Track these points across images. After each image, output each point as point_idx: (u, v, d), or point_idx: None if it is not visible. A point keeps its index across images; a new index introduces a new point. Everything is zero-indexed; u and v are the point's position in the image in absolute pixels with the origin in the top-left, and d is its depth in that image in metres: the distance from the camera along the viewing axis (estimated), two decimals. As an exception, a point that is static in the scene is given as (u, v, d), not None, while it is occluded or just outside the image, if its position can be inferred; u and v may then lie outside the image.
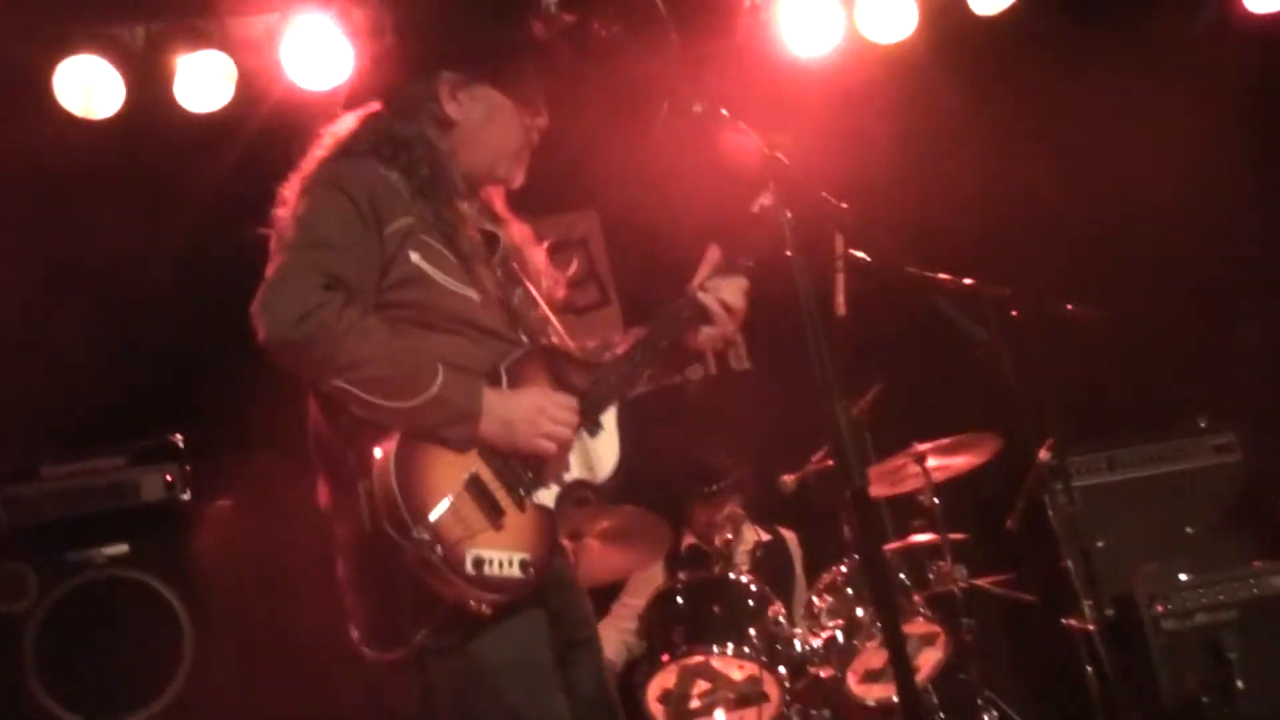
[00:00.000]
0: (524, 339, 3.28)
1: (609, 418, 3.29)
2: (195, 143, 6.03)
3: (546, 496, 3.13)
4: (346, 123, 3.33)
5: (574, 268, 7.11)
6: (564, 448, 3.14)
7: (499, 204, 3.48)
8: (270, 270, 3.01)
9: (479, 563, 2.94)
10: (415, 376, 2.97)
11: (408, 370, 2.98)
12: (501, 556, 2.98)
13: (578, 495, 3.22)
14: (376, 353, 2.96)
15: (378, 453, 2.93)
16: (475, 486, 3.00)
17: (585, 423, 3.20)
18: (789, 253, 3.05)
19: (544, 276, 3.49)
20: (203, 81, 5.89)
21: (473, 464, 3.02)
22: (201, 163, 6.03)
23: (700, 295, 3.35)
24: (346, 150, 3.24)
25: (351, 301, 2.99)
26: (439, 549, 2.88)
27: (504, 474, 3.06)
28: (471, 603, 2.94)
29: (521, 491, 3.08)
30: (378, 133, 3.26)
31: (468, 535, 2.94)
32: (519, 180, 3.44)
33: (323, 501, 3.15)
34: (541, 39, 3.45)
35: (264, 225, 3.17)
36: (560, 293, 3.54)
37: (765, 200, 3.19)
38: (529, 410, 3.08)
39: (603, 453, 3.26)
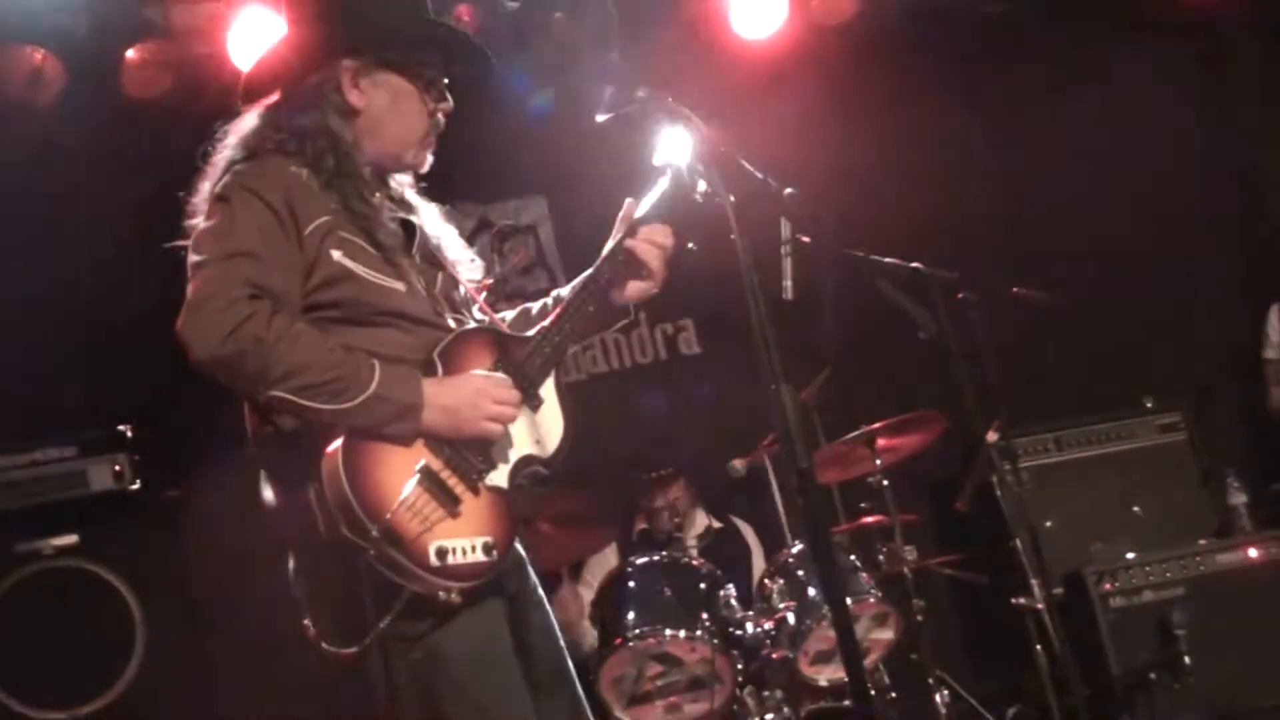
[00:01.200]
0: (452, 323, 3.26)
1: (548, 389, 3.27)
2: (140, 129, 6.01)
3: (499, 477, 3.12)
4: (248, 120, 3.26)
5: (522, 254, 7.19)
6: (506, 427, 3.12)
7: (408, 189, 3.43)
8: (192, 287, 2.95)
9: (442, 553, 2.92)
10: (352, 377, 2.93)
11: (344, 372, 2.93)
12: (464, 543, 2.97)
13: (529, 471, 3.20)
14: (310, 358, 2.91)
15: (325, 458, 2.90)
16: (428, 478, 2.98)
17: (525, 398, 3.18)
18: (733, 237, 3.06)
19: (461, 258, 3.46)
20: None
21: (421, 455, 3.00)
22: (146, 150, 5.99)
23: (630, 242, 3.32)
24: (252, 150, 3.17)
25: (279, 309, 2.94)
26: (400, 546, 2.88)
27: (453, 461, 3.04)
28: (441, 594, 2.92)
29: (474, 476, 3.06)
30: (280, 127, 3.19)
31: (426, 528, 2.93)
32: (426, 165, 3.38)
33: (269, 502, 3.11)
34: (444, 25, 3.45)
35: (178, 238, 3.12)
36: (480, 270, 3.50)
37: (707, 185, 3.20)
38: (470, 395, 3.06)
39: (548, 424, 3.25)
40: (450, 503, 3.00)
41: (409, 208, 3.41)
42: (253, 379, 2.90)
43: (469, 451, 3.07)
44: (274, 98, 3.30)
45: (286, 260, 3.02)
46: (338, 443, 2.91)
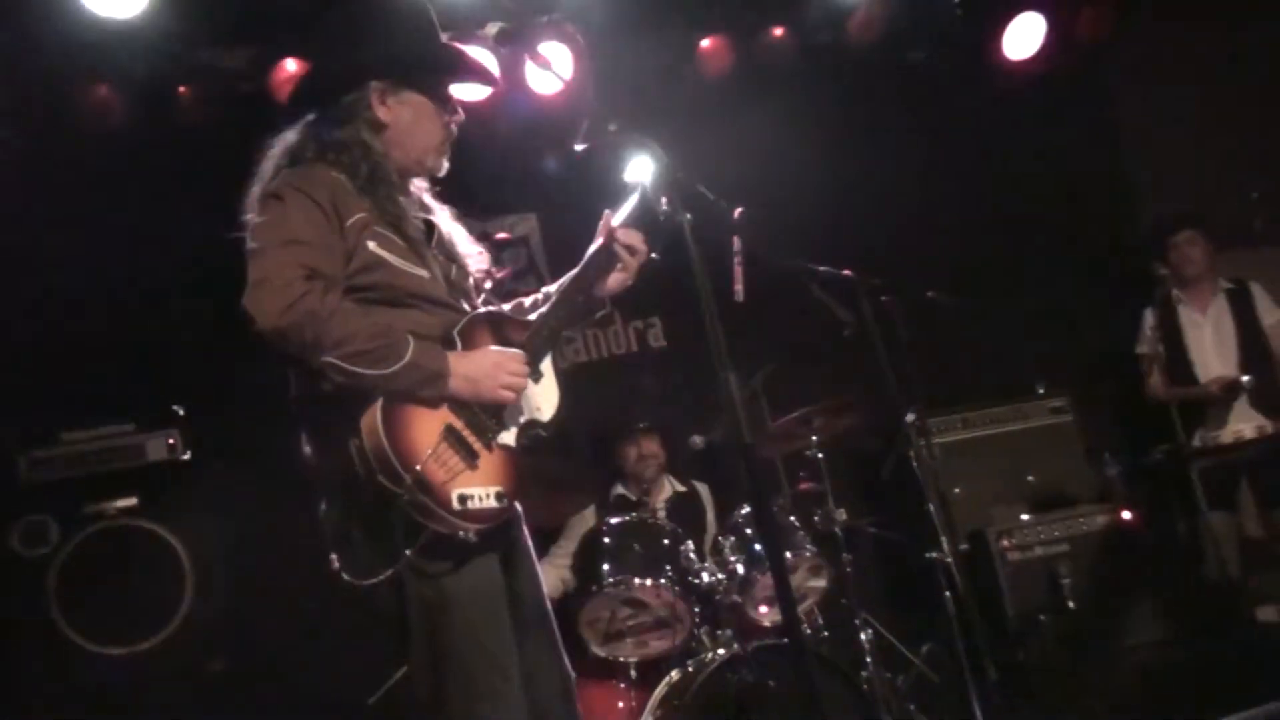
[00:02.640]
0: (466, 307, 3.31)
1: (546, 365, 3.33)
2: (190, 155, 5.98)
3: (508, 437, 3.17)
4: (291, 134, 3.29)
5: (515, 262, 7.18)
6: (518, 395, 3.18)
7: (427, 194, 3.48)
8: (253, 270, 2.98)
9: (463, 499, 2.99)
10: (391, 348, 2.98)
11: (384, 343, 2.98)
12: (480, 491, 3.03)
13: (532, 433, 3.24)
14: (356, 331, 2.96)
15: (365, 416, 2.94)
16: (451, 435, 3.04)
17: (529, 371, 3.23)
18: (690, 249, 3.09)
19: (471, 253, 3.50)
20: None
21: (446, 417, 3.05)
22: (193, 168, 5.97)
23: (614, 245, 3.40)
24: (297, 158, 3.21)
25: (329, 289, 2.99)
26: (429, 492, 2.93)
27: (473, 422, 3.09)
28: (460, 533, 2.99)
29: (489, 435, 3.11)
30: (320, 140, 3.23)
31: (451, 477, 2.99)
32: (444, 170, 3.42)
33: (307, 458, 3.13)
34: (455, 49, 3.47)
35: (236, 231, 3.13)
36: (486, 263, 3.54)
37: (665, 206, 3.23)
38: (489, 367, 3.11)
39: (546, 395, 3.31)
40: (470, 457, 3.06)
41: (428, 209, 3.46)
42: (308, 347, 2.93)
43: (485, 414, 3.13)
44: (312, 115, 3.32)
45: (333, 248, 3.07)
46: (376, 404, 2.95)
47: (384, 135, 3.29)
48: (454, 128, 3.39)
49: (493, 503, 3.05)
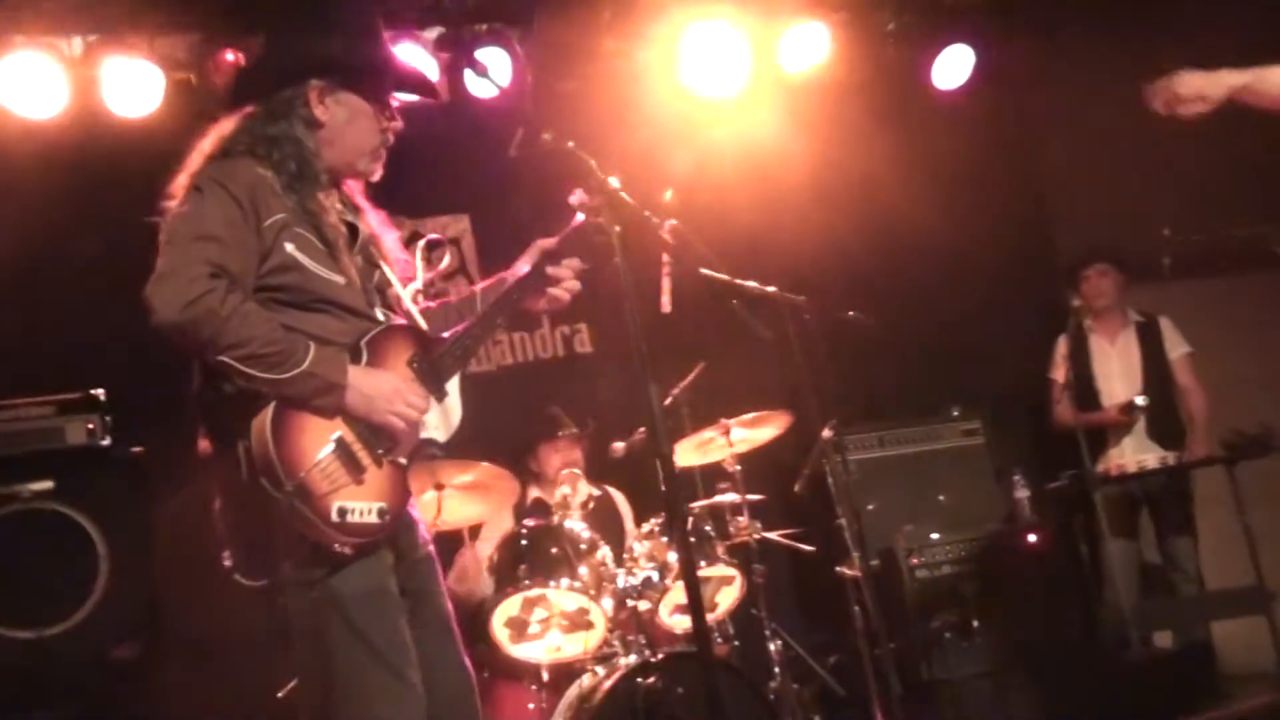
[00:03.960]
0: (381, 317, 3.25)
1: (453, 384, 3.29)
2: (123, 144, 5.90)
3: (399, 454, 3.11)
4: (228, 124, 3.24)
5: (447, 262, 7.15)
6: (411, 426, 3.12)
7: (358, 196, 3.43)
8: (161, 262, 2.93)
9: (343, 512, 2.92)
10: (289, 353, 2.92)
11: (282, 348, 2.92)
12: (362, 506, 2.96)
13: (427, 451, 3.21)
14: (255, 333, 2.90)
15: (256, 419, 2.89)
16: (340, 447, 2.98)
17: (434, 391, 3.19)
18: (617, 260, 3.10)
19: (396, 259, 3.46)
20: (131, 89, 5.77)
21: (338, 428, 2.99)
22: (130, 159, 5.90)
23: (551, 270, 3.39)
24: (227, 150, 3.16)
25: (234, 289, 2.93)
26: (308, 501, 2.87)
27: (364, 436, 3.03)
28: (336, 546, 2.93)
29: (380, 451, 3.06)
30: (253, 133, 3.19)
31: (333, 489, 2.92)
32: (377, 174, 3.39)
33: (202, 450, 3.09)
34: (397, 58, 3.45)
35: (155, 215, 3.09)
36: (412, 273, 3.51)
37: (597, 218, 3.24)
38: (387, 390, 3.06)
39: (450, 413, 3.26)
40: (356, 470, 2.99)
41: (356, 211, 3.39)
42: (204, 344, 2.88)
43: (378, 431, 3.06)
44: (251, 108, 3.27)
45: (245, 246, 3.00)
46: (268, 408, 2.89)
47: (318, 133, 3.24)
48: (390, 135, 3.35)
49: (373, 518, 2.98)
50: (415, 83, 3.51)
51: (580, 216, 3.38)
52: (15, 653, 5.08)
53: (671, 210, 3.53)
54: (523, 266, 3.49)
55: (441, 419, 3.24)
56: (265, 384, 2.91)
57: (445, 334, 3.39)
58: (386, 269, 3.40)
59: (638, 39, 6.60)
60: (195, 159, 3.17)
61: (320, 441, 2.95)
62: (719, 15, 6.59)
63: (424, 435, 3.19)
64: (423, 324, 3.41)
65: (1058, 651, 5.99)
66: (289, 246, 3.07)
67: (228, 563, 3.03)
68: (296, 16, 3.34)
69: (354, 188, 3.43)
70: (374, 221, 3.44)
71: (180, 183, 3.11)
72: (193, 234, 2.96)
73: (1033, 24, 7.26)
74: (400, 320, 3.32)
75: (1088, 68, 7.20)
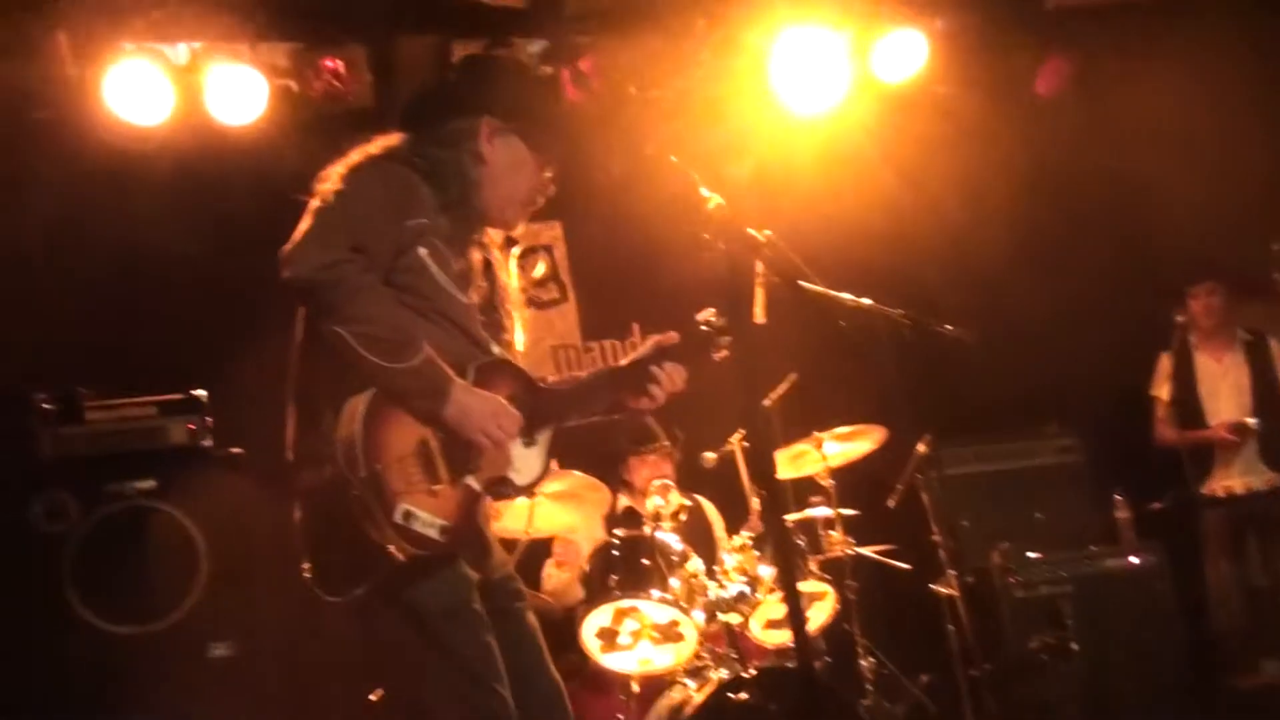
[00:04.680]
0: (494, 349, 3.24)
1: (544, 436, 3.25)
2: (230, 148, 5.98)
3: (473, 481, 3.06)
4: (394, 137, 3.26)
5: (540, 269, 7.16)
6: (499, 449, 3.08)
7: (496, 245, 3.41)
8: (305, 225, 2.96)
9: (408, 515, 2.88)
10: (405, 346, 2.91)
11: (400, 339, 2.91)
12: (426, 517, 2.91)
13: (499, 489, 3.18)
14: (379, 315, 2.90)
15: (353, 399, 2.87)
16: (423, 451, 2.95)
17: (524, 434, 3.15)
18: (724, 275, 3.06)
19: (518, 309, 3.44)
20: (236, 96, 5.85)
21: (427, 433, 2.97)
22: (233, 165, 5.98)
23: (654, 369, 3.29)
24: (390, 155, 3.18)
25: (370, 268, 2.95)
26: (378, 493, 2.84)
27: (449, 450, 2.99)
28: (391, 548, 2.87)
29: (458, 469, 3.01)
30: (419, 150, 3.20)
31: (405, 490, 2.88)
32: (518, 228, 3.40)
33: (289, 442, 3.08)
34: (568, 114, 3.44)
35: (305, 194, 3.08)
36: (526, 297, 3.51)
37: (706, 236, 3.17)
38: (486, 410, 3.02)
39: (531, 462, 3.22)
40: (432, 480, 2.96)
41: (490, 255, 3.38)
42: (328, 309, 2.88)
43: (464, 449, 3.02)
44: (417, 131, 3.28)
45: (387, 235, 3.02)
46: (369, 393, 2.87)
47: (481, 169, 3.24)
48: (543, 193, 3.36)
49: (434, 533, 2.92)
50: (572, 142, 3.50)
51: (704, 329, 3.28)
52: (116, 648, 5.16)
53: (766, 220, 3.47)
54: (640, 353, 3.39)
55: (523, 465, 3.19)
56: (372, 369, 2.88)
57: (547, 384, 3.35)
58: (507, 318, 3.38)
59: (731, 47, 6.53)
60: (355, 154, 3.17)
61: (407, 440, 2.93)
62: (813, 21, 6.49)
63: (500, 473, 3.14)
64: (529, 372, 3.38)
65: (1160, 677, 5.82)
66: (422, 251, 3.07)
67: (306, 575, 3.01)
68: (486, 60, 3.36)
69: (494, 239, 3.41)
70: (501, 265, 3.42)
71: (336, 170, 3.12)
72: (340, 206, 2.98)
73: (1134, 31, 7.08)
74: (512, 361, 3.30)
75: (1193, 77, 7.01)
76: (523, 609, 3.27)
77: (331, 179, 3.07)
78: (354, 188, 3.03)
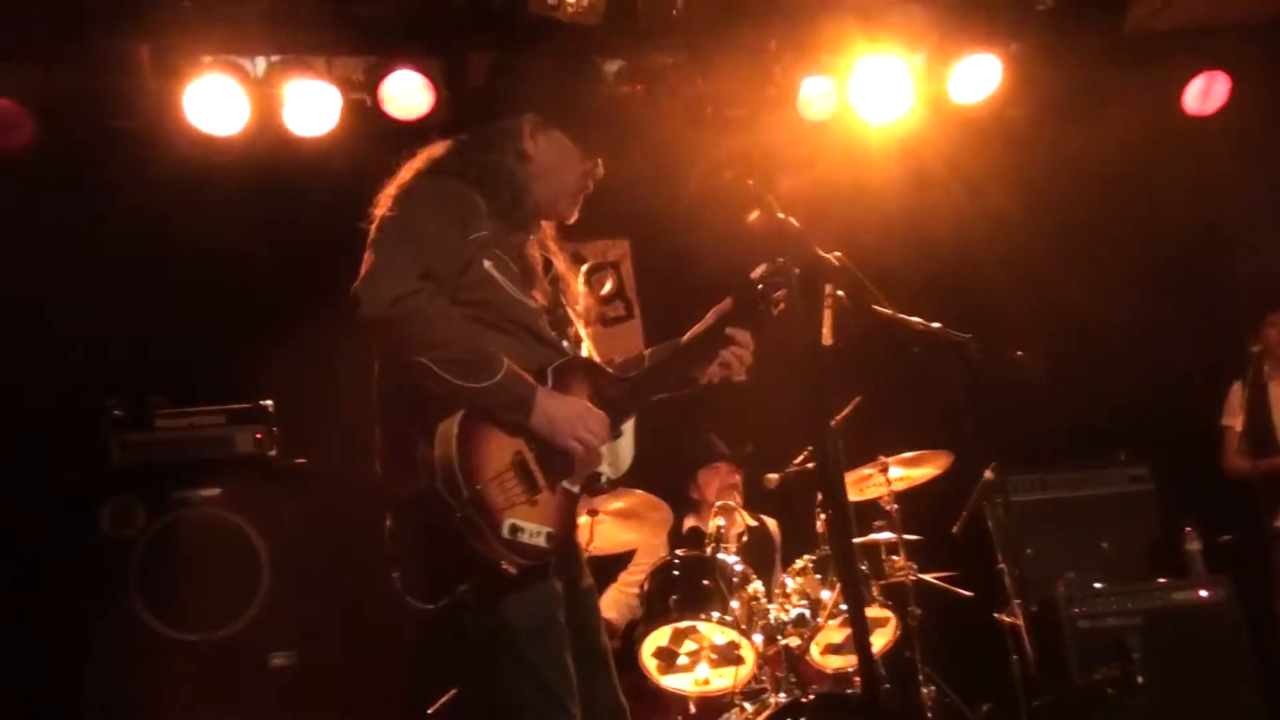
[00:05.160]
0: (567, 349, 3.25)
1: (629, 425, 3.25)
2: (303, 160, 6.03)
3: (571, 483, 3.09)
4: (438, 147, 3.27)
5: (608, 286, 7.15)
6: (590, 452, 3.09)
7: (550, 238, 3.43)
8: (371, 257, 2.96)
9: (515, 530, 2.89)
10: (485, 364, 2.92)
11: (480, 358, 2.92)
12: (533, 527, 2.93)
13: (593, 485, 3.18)
14: (456, 339, 2.91)
15: (444, 423, 2.87)
16: (519, 465, 2.96)
17: (611, 429, 3.15)
18: (796, 301, 3.04)
19: (581, 301, 3.46)
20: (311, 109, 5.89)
21: (519, 446, 2.97)
22: (306, 177, 6.03)
23: (730, 331, 3.31)
24: (439, 168, 3.18)
25: (439, 292, 2.95)
26: (483, 513, 2.85)
27: (543, 459, 3.01)
28: (503, 563, 2.89)
29: (554, 475, 3.03)
30: (465, 157, 3.21)
31: (508, 505, 2.90)
32: (572, 217, 3.39)
33: (380, 461, 3.08)
34: (608, 102, 3.44)
35: (363, 221, 3.10)
36: (593, 315, 3.51)
37: (780, 258, 3.15)
38: (572, 414, 3.03)
39: (621, 453, 3.23)
40: (531, 490, 2.97)
41: (548, 249, 3.40)
42: (407, 342, 2.88)
43: (556, 454, 3.03)
44: (463, 135, 3.30)
45: (452, 252, 3.02)
46: (457, 414, 2.88)
47: (526, 167, 3.25)
48: (591, 181, 3.36)
49: (541, 541, 2.95)
50: (621, 133, 3.50)
51: (760, 288, 3.27)
52: (180, 655, 5.19)
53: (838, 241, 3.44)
54: (702, 326, 3.41)
55: (613, 457, 3.20)
56: (458, 390, 2.89)
57: (621, 374, 3.36)
58: (571, 311, 3.39)
59: (805, 68, 6.49)
60: (404, 173, 3.19)
61: (502, 455, 2.94)
62: (889, 47, 6.43)
63: (595, 469, 3.15)
64: (602, 363, 3.39)
65: (1228, 713, 5.66)
66: (487, 264, 3.08)
67: (397, 583, 3.01)
68: (522, 55, 3.36)
69: (547, 229, 3.43)
70: (564, 263, 3.44)
71: (388, 193, 3.13)
72: (402, 234, 2.98)
73: (1216, 56, 6.96)
74: (584, 355, 3.31)
75: (1275, 102, 6.88)
76: (597, 624, 3.28)
77: (386, 204, 3.09)
78: (411, 212, 3.03)
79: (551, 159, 3.27)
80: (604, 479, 3.18)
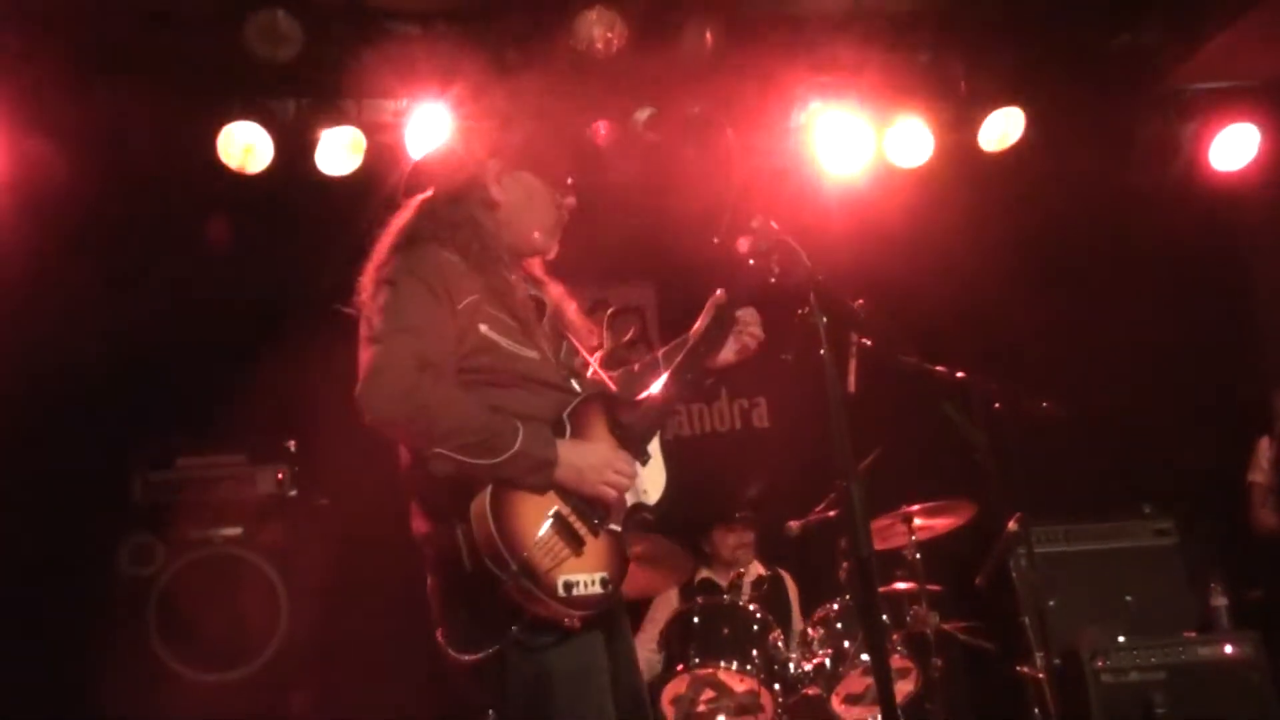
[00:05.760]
0: (576, 387, 3.23)
1: (654, 446, 3.26)
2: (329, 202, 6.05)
3: (614, 522, 3.09)
4: (406, 214, 3.27)
5: (631, 332, 7.14)
6: (622, 494, 3.09)
7: (538, 270, 3.43)
8: (366, 358, 2.96)
9: (569, 586, 2.90)
10: (500, 436, 2.92)
11: (493, 432, 2.92)
12: (586, 578, 2.94)
13: (638, 517, 3.17)
14: (466, 422, 2.91)
15: (474, 502, 2.88)
16: (558, 522, 2.96)
17: (637, 455, 3.15)
18: (822, 351, 3.02)
19: (580, 327, 3.44)
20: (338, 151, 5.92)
21: (553, 503, 2.98)
22: (332, 219, 6.04)
23: (739, 311, 3.36)
24: (411, 239, 3.18)
25: (440, 378, 2.96)
26: (534, 579, 2.85)
27: (579, 509, 3.01)
28: (565, 620, 2.91)
29: (595, 521, 3.03)
30: (433, 218, 3.21)
31: (556, 564, 2.90)
32: (553, 251, 3.39)
33: (417, 529, 3.08)
34: (567, 132, 3.44)
35: (347, 306, 3.12)
36: (595, 339, 3.48)
37: (805, 308, 3.15)
38: (598, 463, 3.04)
39: (654, 477, 3.23)
40: (575, 543, 2.97)
41: (538, 283, 3.40)
42: (419, 437, 2.92)
43: (593, 503, 3.04)
44: (429, 193, 3.31)
45: (444, 332, 3.02)
46: (486, 490, 2.89)
47: (496, 214, 3.26)
48: (565, 212, 3.35)
49: (597, 589, 2.96)
50: (591, 161, 3.51)
51: (750, 262, 3.30)
52: (197, 695, 5.16)
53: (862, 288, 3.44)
54: (703, 322, 3.43)
55: (649, 481, 3.21)
56: (480, 470, 2.90)
57: (639, 396, 3.34)
58: (572, 339, 3.39)
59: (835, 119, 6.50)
60: (379, 253, 3.19)
61: (538, 518, 2.94)
62: (916, 109, 6.44)
63: (632, 501, 3.15)
64: (613, 389, 3.38)
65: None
66: (483, 328, 3.08)
67: (440, 638, 3.02)
68: (471, 104, 3.39)
69: (534, 261, 3.43)
70: (556, 292, 3.44)
71: (369, 276, 3.14)
72: (394, 328, 2.97)
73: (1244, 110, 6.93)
74: (595, 389, 3.29)
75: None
76: (635, 670, 3.26)
77: (369, 291, 3.09)
78: (396, 300, 3.02)
79: (519, 200, 3.28)
80: (647, 508, 3.18)
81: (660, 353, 3.55)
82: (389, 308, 3.01)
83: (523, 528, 2.90)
